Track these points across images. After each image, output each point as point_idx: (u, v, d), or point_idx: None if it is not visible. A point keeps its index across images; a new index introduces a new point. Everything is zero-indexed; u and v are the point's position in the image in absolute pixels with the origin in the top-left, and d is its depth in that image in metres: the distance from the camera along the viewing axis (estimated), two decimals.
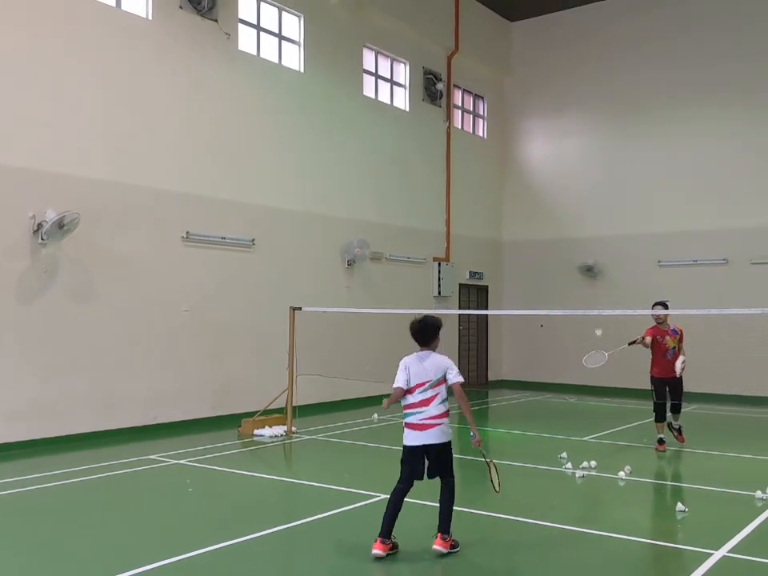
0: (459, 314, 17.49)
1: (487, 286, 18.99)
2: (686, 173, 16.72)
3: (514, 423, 12.94)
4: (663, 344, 10.12)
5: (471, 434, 5.74)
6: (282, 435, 10.98)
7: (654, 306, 10.29)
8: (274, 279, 13.08)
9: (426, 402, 5.57)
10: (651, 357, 10.30)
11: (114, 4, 11.01)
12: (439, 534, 5.55)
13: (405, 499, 5.62)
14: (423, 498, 6.30)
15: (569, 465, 8.73)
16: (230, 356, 12.27)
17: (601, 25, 18.03)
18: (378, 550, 5.43)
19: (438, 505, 5.67)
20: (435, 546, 5.52)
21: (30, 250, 9.80)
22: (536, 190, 19.01)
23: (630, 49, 17.56)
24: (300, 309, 11.46)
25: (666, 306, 10.20)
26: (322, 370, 11.94)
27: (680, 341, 10.19)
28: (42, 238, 9.76)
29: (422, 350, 5.79)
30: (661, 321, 10.20)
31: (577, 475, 8.37)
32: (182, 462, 9.06)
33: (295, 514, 6.74)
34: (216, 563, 5.46)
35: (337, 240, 14.41)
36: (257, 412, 11.43)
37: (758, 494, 7.33)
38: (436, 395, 5.58)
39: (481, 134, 19.29)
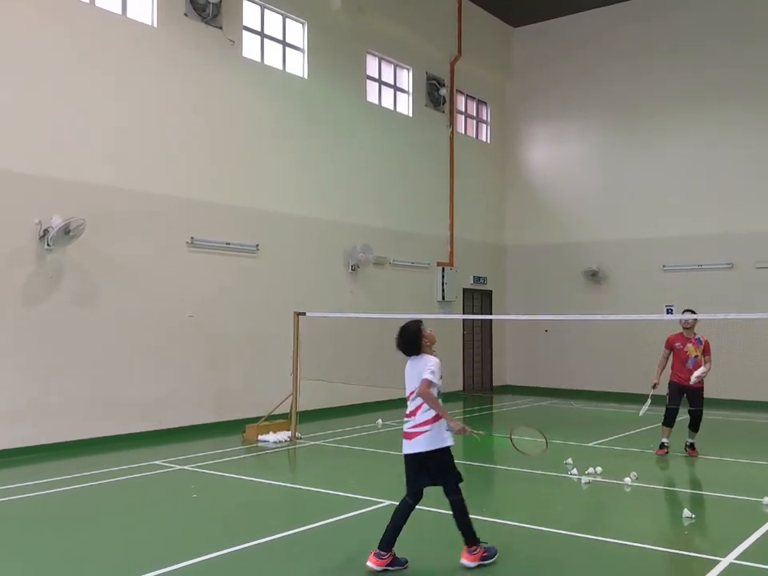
0: (463, 319, 17.48)
1: (491, 291, 18.98)
2: (691, 177, 16.70)
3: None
4: (684, 351, 9.97)
5: (447, 428, 5.42)
6: (286, 441, 10.97)
7: (683, 312, 10.15)
8: (278, 284, 13.08)
9: (413, 412, 5.48)
10: (672, 363, 10.15)
11: (119, 11, 11.06)
12: (465, 548, 5.43)
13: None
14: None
15: (574, 471, 8.70)
16: (233, 361, 12.27)
17: (602, 30, 18.05)
18: (371, 563, 5.27)
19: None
20: (461, 561, 5.42)
21: (36, 256, 9.83)
22: (540, 195, 19.01)
23: (632, 54, 17.57)
24: (304, 314, 11.46)
25: (694, 314, 9.99)
26: (326, 375, 11.93)
27: (704, 352, 9.99)
28: (47, 244, 9.78)
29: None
30: (688, 326, 10.02)
31: (582, 481, 8.34)
32: (186, 467, 9.06)
33: (300, 520, 6.73)
34: (220, 569, 5.45)
35: (341, 245, 14.42)
36: (261, 417, 11.42)
37: (766, 500, 7.29)
38: (422, 403, 5.43)
39: (484, 139, 19.30)
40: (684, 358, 9.97)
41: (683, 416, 10.22)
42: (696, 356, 9.93)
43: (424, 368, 5.45)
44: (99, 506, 7.34)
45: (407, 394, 5.57)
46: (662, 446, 10.01)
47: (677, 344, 10.04)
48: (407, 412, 5.53)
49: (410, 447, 5.43)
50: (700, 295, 15.79)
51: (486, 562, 5.42)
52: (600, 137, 18.18)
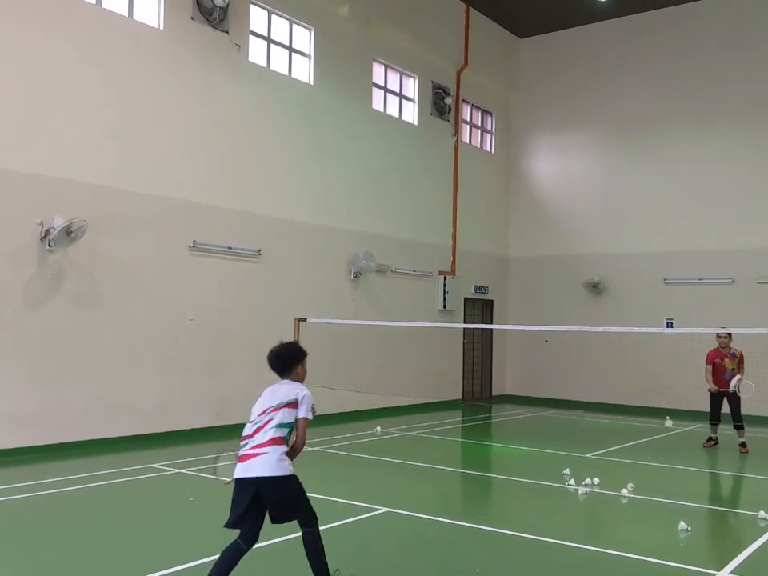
0: (464, 328, 17.49)
1: (492, 301, 18.98)
2: (693, 192, 16.73)
3: (517, 439, 12.89)
4: (722, 366, 11.31)
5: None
6: None
7: (720, 329, 11.48)
8: (280, 290, 13.10)
9: (256, 431, 4.62)
10: (713, 374, 11.46)
11: (126, 14, 11.12)
12: None
13: None
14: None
15: (572, 481, 8.68)
16: (233, 366, 12.28)
17: (608, 44, 18.11)
18: None
19: None
20: None
21: (38, 257, 9.85)
22: (542, 206, 19.03)
23: (637, 68, 17.62)
24: (305, 320, 11.46)
25: (729, 333, 11.23)
26: (325, 381, 11.91)
27: (740, 363, 11.34)
28: (49, 245, 9.81)
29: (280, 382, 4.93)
30: (724, 345, 11.37)
31: (579, 492, 8.32)
32: (183, 471, 9.05)
33: (296, 526, 6.71)
34: None
35: (343, 252, 14.44)
36: None
37: (761, 513, 7.27)
38: (269, 421, 4.61)
39: (488, 149, 19.35)
40: (722, 371, 11.34)
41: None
42: (732, 369, 11.29)
43: (295, 396, 4.72)
44: (95, 508, 7.34)
45: (252, 416, 4.74)
46: (709, 438, 11.66)
47: (716, 360, 11.43)
48: (245, 434, 4.73)
49: (239, 471, 4.65)
50: (700, 309, 15.80)
51: None
52: (604, 150, 18.21)
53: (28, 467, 9.08)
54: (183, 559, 5.61)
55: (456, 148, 17.61)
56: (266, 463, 4.50)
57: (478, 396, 18.50)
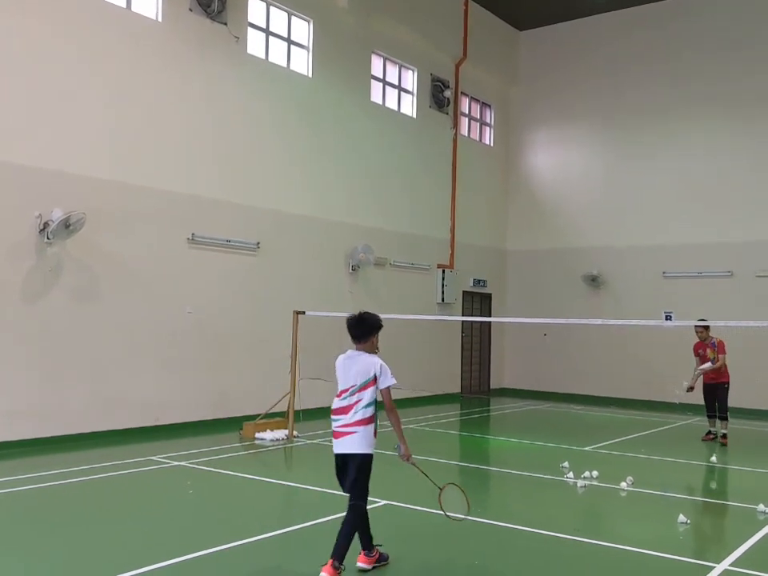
0: (462, 321, 17.48)
1: (491, 294, 18.97)
2: (691, 185, 16.71)
3: (515, 432, 12.91)
4: (705, 356, 11.52)
5: (396, 445, 5.27)
6: (283, 439, 10.96)
7: (698, 321, 11.64)
8: (278, 283, 13.08)
9: (345, 410, 5.14)
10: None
11: (124, 5, 11.05)
12: (331, 561, 4.97)
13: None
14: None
15: (570, 474, 8.69)
16: (232, 359, 12.27)
17: (608, 36, 18.05)
18: (362, 564, 5.16)
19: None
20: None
21: (36, 249, 9.82)
22: (541, 200, 19.01)
23: (637, 61, 17.57)
24: (303, 313, 11.45)
25: (706, 325, 11.23)
26: (324, 374, 11.88)
27: (719, 350, 11.40)
28: (47, 237, 9.78)
29: (354, 349, 5.32)
30: (703, 338, 11.55)
31: (578, 485, 8.33)
32: (183, 463, 9.05)
33: (294, 519, 6.73)
34: (214, 566, 5.44)
35: (341, 245, 14.42)
36: (258, 415, 11.42)
37: (761, 507, 7.29)
38: (357, 402, 5.12)
39: (487, 142, 19.30)
40: (706, 361, 11.48)
41: None
42: (713, 357, 11.41)
43: (374, 369, 5.15)
44: (93, 501, 7.34)
45: (338, 390, 5.22)
46: (708, 432, 11.82)
47: (700, 350, 11.66)
48: (337, 407, 5.20)
49: (335, 447, 5.18)
50: (699, 303, 15.80)
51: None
52: (603, 143, 18.18)
53: (26, 460, 9.07)
54: (181, 552, 5.60)
55: (455, 141, 17.57)
56: (354, 441, 5.10)
57: (477, 389, 18.51)
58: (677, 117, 17.02)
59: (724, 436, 11.47)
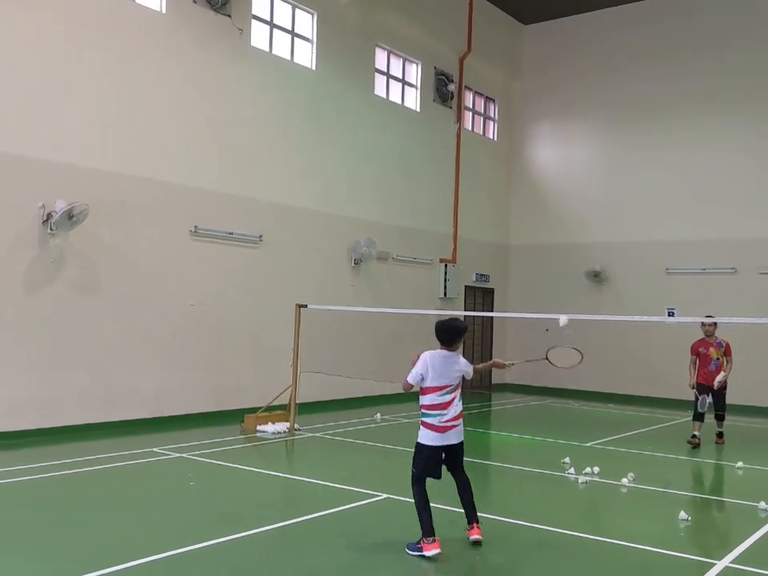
0: (464, 316, 17.42)
1: (493, 289, 18.95)
2: (695, 181, 16.66)
3: (516, 427, 12.91)
4: (707, 355, 10.95)
5: (509, 363, 6.76)
6: (284, 432, 10.97)
7: (705, 317, 11.10)
8: (281, 276, 13.07)
9: (445, 405, 5.68)
10: (698, 366, 11.09)
11: None
12: (475, 524, 5.78)
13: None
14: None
15: (572, 470, 8.69)
16: (234, 351, 12.27)
17: (613, 31, 17.97)
18: (437, 549, 5.45)
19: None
20: (474, 537, 5.74)
21: (39, 240, 9.82)
22: (544, 195, 18.97)
23: (641, 56, 17.50)
24: (305, 306, 11.45)
25: (714, 322, 10.85)
26: (325, 368, 11.92)
27: (725, 353, 10.96)
28: (50, 229, 9.77)
29: (445, 349, 5.84)
30: (709, 333, 11.01)
31: (579, 481, 8.33)
32: (184, 455, 9.06)
33: (295, 511, 6.73)
34: (215, 558, 5.44)
35: (344, 239, 14.40)
36: (260, 408, 11.43)
37: (762, 504, 7.28)
38: (455, 398, 5.74)
39: (491, 137, 19.25)
40: (707, 362, 10.95)
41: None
42: (718, 358, 10.92)
43: (465, 369, 5.88)
44: (95, 491, 7.34)
45: (433, 384, 5.73)
46: (693, 436, 10.93)
47: (700, 349, 11.07)
48: (434, 404, 5.70)
49: (440, 440, 5.68)
50: (703, 299, 15.76)
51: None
52: (607, 138, 18.12)
53: (27, 451, 9.08)
54: (182, 543, 5.61)
55: (458, 135, 17.52)
56: (459, 432, 5.76)
57: (478, 384, 18.50)
58: (682, 112, 16.95)
59: (720, 435, 11.19)
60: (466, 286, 17.89)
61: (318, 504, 6.85)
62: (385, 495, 7.08)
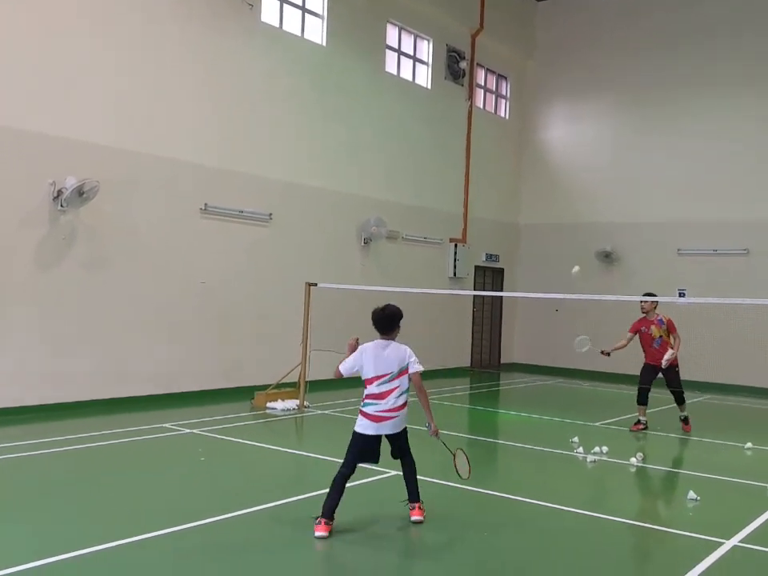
0: (474, 296, 17.44)
1: (503, 269, 18.89)
2: (709, 162, 16.48)
3: (525, 406, 12.93)
4: (648, 334, 10.42)
5: (427, 424, 5.83)
6: (294, 409, 11.03)
7: (643, 296, 10.55)
8: (291, 254, 13.06)
9: (384, 395, 5.58)
10: (642, 346, 10.61)
11: None
12: (417, 505, 5.73)
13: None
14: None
15: (580, 449, 8.70)
16: (244, 329, 12.30)
17: (628, 9, 17.70)
18: (323, 532, 5.36)
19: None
20: (415, 517, 5.70)
21: (49, 217, 9.83)
22: (555, 173, 18.81)
23: (655, 36, 17.23)
24: (315, 285, 11.45)
25: (653, 297, 10.39)
26: (335, 346, 11.87)
27: (669, 331, 10.39)
28: (61, 205, 9.78)
29: (381, 338, 5.81)
30: (645, 311, 10.47)
31: (588, 460, 8.34)
32: (195, 431, 9.13)
33: (305, 487, 6.77)
34: (225, 532, 5.49)
35: (354, 218, 14.35)
36: (270, 385, 11.48)
37: None
38: (395, 388, 5.60)
39: (502, 115, 19.08)
40: (650, 341, 10.42)
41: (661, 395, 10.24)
42: (660, 336, 10.35)
43: (406, 357, 5.70)
44: (105, 466, 7.42)
45: (370, 375, 5.63)
46: (638, 422, 10.45)
47: (642, 328, 10.49)
48: (371, 393, 5.62)
49: (374, 429, 5.61)
50: (715, 280, 15.66)
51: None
52: (619, 118, 17.92)
53: (37, 425, 9.17)
54: (193, 517, 5.67)
55: (470, 113, 17.37)
56: (395, 423, 5.63)
57: (487, 363, 18.53)
58: (695, 92, 16.73)
59: (686, 420, 10.47)
60: (475, 266, 17.83)
61: (326, 480, 6.88)
62: (393, 472, 7.09)
